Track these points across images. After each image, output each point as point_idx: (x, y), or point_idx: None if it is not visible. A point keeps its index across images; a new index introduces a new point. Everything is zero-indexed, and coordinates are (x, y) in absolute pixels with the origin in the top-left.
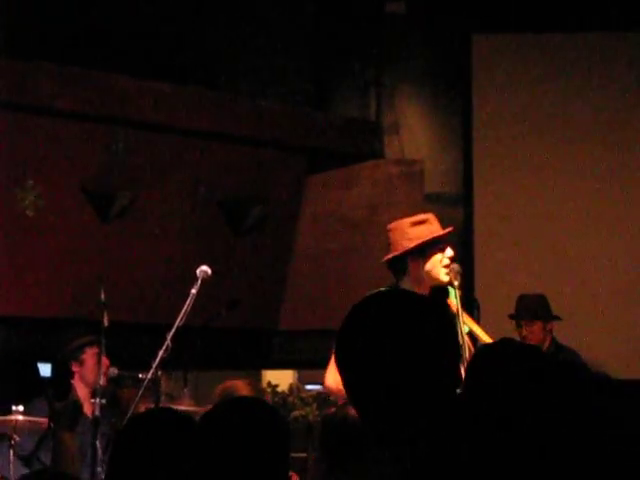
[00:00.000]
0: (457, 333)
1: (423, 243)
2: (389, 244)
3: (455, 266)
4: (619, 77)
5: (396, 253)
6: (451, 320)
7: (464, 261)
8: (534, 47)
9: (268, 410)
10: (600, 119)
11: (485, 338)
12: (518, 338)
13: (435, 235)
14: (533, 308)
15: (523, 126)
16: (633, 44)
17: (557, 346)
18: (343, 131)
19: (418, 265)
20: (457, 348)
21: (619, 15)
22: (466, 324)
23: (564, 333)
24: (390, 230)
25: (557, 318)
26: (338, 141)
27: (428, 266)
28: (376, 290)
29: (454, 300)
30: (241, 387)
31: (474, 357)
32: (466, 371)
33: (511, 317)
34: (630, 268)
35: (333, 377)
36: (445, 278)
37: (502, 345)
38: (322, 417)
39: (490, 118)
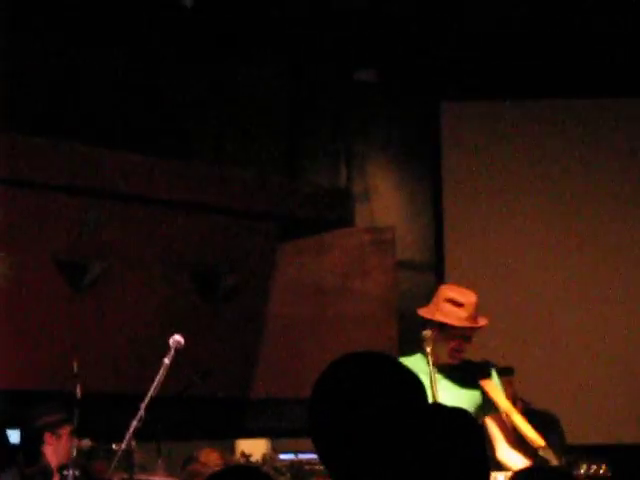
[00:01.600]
0: (425, 397)
1: (440, 323)
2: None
3: (427, 332)
4: (591, 143)
5: (422, 314)
6: (421, 386)
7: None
8: (503, 114)
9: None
10: (573, 186)
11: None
12: None
13: (452, 323)
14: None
15: (493, 193)
16: (604, 110)
17: (529, 410)
18: (314, 199)
19: (434, 336)
20: (424, 412)
21: (591, 81)
22: (490, 392)
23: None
24: (439, 289)
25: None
26: (309, 209)
27: (439, 342)
28: (342, 356)
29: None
30: (214, 460)
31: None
32: None
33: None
34: (602, 339)
35: None
36: (448, 360)
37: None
38: None
39: (460, 185)
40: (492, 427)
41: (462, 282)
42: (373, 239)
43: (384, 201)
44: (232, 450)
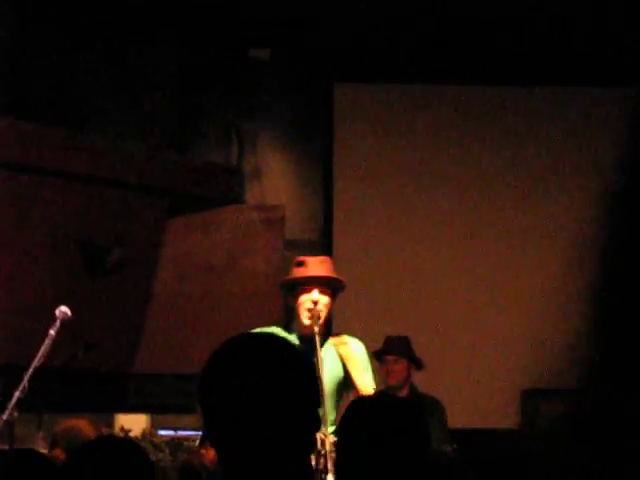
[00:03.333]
0: (316, 379)
1: (288, 282)
2: None
3: (316, 311)
4: (486, 128)
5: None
6: (311, 366)
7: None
8: (396, 97)
9: (135, 449)
10: (460, 168)
11: (365, 387)
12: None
13: (296, 277)
14: (399, 346)
15: (384, 174)
16: (492, 97)
17: (416, 394)
18: (204, 175)
19: (293, 302)
20: (316, 394)
21: (484, 68)
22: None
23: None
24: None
25: (421, 363)
26: (199, 185)
27: (297, 306)
28: (240, 334)
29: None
30: (85, 427)
31: (347, 408)
32: (340, 419)
33: (375, 353)
34: (492, 316)
35: None
36: (305, 322)
37: (376, 398)
38: (180, 463)
39: (351, 165)
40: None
41: (350, 262)
42: (262, 217)
43: (275, 180)
44: (111, 425)
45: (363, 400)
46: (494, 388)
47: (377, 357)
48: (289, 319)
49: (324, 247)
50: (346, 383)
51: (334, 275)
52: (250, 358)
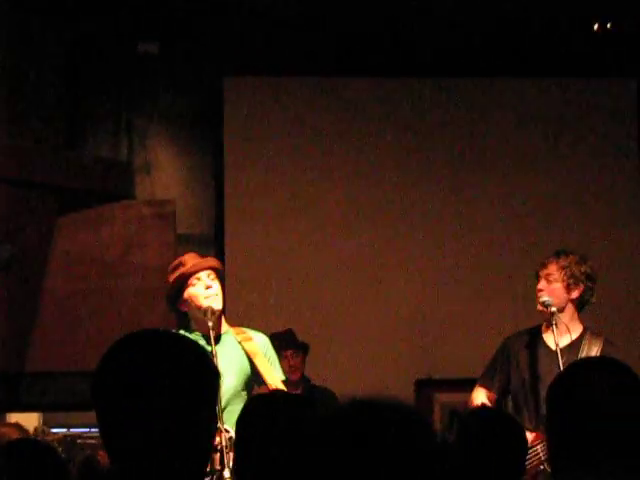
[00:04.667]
0: (215, 371)
1: (174, 285)
2: None
3: (210, 306)
4: (380, 121)
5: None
6: (209, 362)
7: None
8: (287, 90)
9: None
10: (359, 163)
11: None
12: None
13: (181, 274)
14: (294, 339)
15: (275, 167)
16: (389, 90)
17: (310, 386)
18: (94, 171)
19: (184, 304)
20: (214, 392)
21: (380, 59)
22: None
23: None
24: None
25: (307, 349)
26: (89, 181)
27: (189, 301)
28: (131, 332)
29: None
30: (14, 434)
31: (246, 403)
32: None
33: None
34: (384, 312)
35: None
36: (204, 302)
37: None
38: (81, 460)
39: (242, 160)
40: None
41: (242, 257)
42: (153, 212)
43: (165, 174)
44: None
45: (258, 398)
46: (387, 378)
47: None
48: (186, 322)
49: (216, 241)
50: (254, 378)
51: (214, 260)
52: (144, 356)
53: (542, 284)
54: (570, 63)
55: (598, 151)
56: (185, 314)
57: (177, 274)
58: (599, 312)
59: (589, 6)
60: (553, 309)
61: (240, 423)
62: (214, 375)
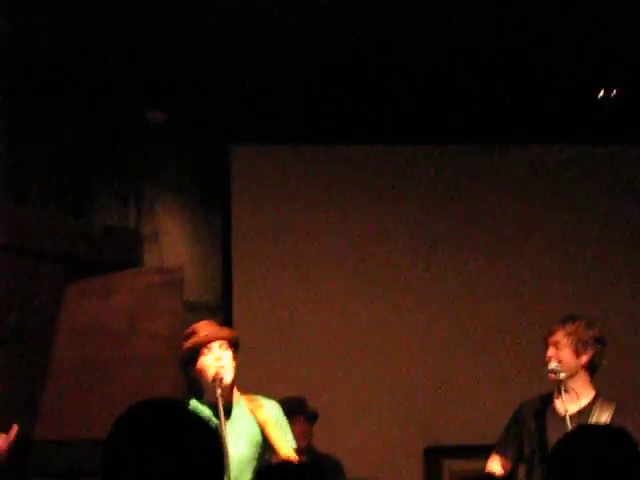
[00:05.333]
0: (220, 446)
1: (185, 357)
2: None
3: (219, 376)
4: (386, 188)
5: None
6: (216, 436)
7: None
8: (294, 159)
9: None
10: (367, 233)
11: (286, 450)
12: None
13: (192, 344)
14: (306, 407)
15: (282, 236)
16: (393, 156)
17: (315, 455)
18: (102, 239)
19: (194, 372)
20: (220, 461)
21: (382, 128)
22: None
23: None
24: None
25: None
26: (97, 249)
27: (200, 371)
28: (143, 400)
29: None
30: None
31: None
32: None
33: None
34: (391, 379)
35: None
36: (211, 372)
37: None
38: None
39: (250, 228)
40: None
41: (250, 324)
42: (161, 280)
43: (173, 243)
44: None
45: (269, 469)
46: (396, 446)
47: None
48: (198, 390)
49: (223, 309)
50: (266, 447)
51: (227, 330)
52: (154, 426)
53: (551, 351)
54: (574, 130)
55: (603, 219)
56: (197, 381)
57: (189, 344)
58: (612, 378)
59: (594, 72)
60: (562, 376)
61: None
62: (220, 453)
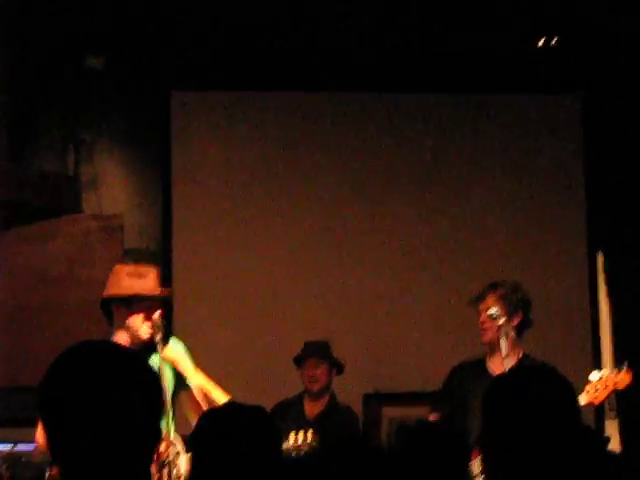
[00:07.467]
0: (159, 383)
1: (127, 296)
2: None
3: (157, 320)
4: (328, 134)
5: (102, 297)
6: (154, 375)
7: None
8: (236, 105)
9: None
10: (301, 177)
11: (218, 396)
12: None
13: (140, 293)
14: (321, 349)
15: (224, 182)
16: (325, 102)
17: (334, 404)
18: (39, 185)
19: (122, 315)
20: (159, 405)
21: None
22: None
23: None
24: (111, 272)
25: (342, 367)
26: (34, 195)
27: (130, 321)
28: (77, 343)
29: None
30: None
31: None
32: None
33: (295, 359)
34: (332, 327)
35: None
36: (145, 336)
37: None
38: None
39: (190, 175)
40: (186, 404)
41: (190, 271)
42: (100, 226)
43: (112, 189)
44: None
45: (213, 412)
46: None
47: (296, 362)
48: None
49: (163, 255)
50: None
51: (168, 290)
52: (89, 367)
53: (484, 317)
54: (513, 79)
55: (542, 169)
56: (108, 315)
57: (131, 291)
58: (538, 337)
59: (534, 21)
60: (502, 320)
61: (194, 438)
62: (158, 387)
